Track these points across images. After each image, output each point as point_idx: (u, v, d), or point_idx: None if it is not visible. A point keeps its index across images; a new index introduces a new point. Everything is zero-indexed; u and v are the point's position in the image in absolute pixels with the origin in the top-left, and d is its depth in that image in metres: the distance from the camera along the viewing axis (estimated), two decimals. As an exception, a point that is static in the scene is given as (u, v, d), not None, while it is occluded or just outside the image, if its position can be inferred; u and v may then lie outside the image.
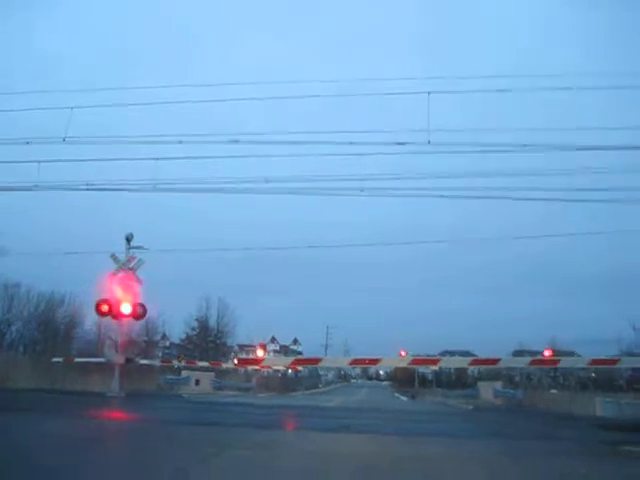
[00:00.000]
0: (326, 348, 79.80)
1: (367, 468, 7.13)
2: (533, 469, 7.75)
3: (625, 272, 63.56)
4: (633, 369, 42.65)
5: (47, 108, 17.89)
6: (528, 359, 19.33)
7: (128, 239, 22.02)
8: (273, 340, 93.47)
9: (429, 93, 15.74)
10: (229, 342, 65.18)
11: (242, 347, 71.53)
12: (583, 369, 52.51)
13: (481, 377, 54.60)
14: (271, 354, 79.37)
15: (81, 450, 7.61)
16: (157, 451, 8.01)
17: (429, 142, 15.68)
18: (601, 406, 24.46)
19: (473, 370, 62.69)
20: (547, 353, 21.80)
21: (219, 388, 36.15)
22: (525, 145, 15.56)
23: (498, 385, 38.23)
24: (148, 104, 18.25)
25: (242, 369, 47.32)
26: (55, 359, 25.06)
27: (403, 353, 22.71)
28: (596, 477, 7.31)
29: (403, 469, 7.24)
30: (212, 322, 62.62)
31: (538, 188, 17.37)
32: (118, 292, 21.01)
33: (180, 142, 16.98)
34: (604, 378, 58.23)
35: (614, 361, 17.99)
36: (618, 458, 9.36)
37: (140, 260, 21.72)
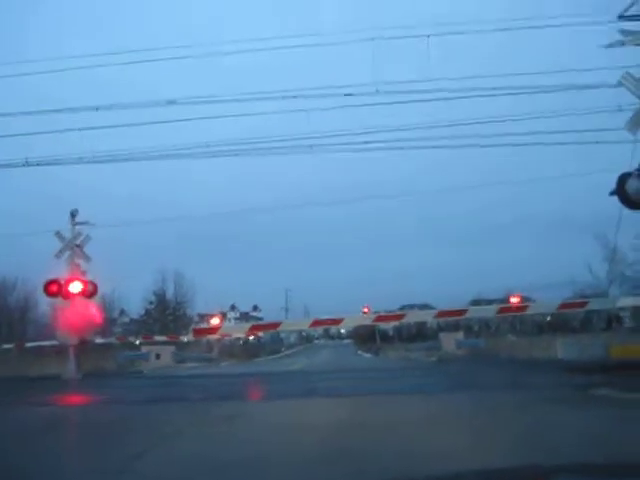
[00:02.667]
0: (286, 311, 79.57)
1: (335, 440, 6.63)
2: (514, 421, 7.49)
3: (576, 216, 64.74)
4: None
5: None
6: (496, 307, 19.32)
7: (73, 215, 21.08)
8: (233, 308, 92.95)
9: (373, 39, 15.21)
10: (189, 313, 64.40)
11: (202, 317, 70.71)
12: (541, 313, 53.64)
13: (441, 328, 55.30)
14: (232, 322, 79.04)
15: (24, 443, 6.89)
16: (110, 436, 7.33)
17: (377, 91, 15.22)
18: (563, 348, 24.73)
19: (432, 322, 63.50)
20: (514, 300, 21.79)
21: (181, 361, 35.58)
22: (474, 88, 15.23)
23: (460, 335, 38.57)
24: (75, 69, 17.21)
25: (204, 339, 46.77)
26: (6, 346, 24.09)
27: (366, 310, 22.47)
28: (577, 424, 7.09)
29: (377, 436, 6.83)
30: (169, 294, 61.74)
31: (492, 135, 17.14)
32: (66, 271, 20.24)
33: (111, 107, 16.07)
34: (559, 321, 59.67)
35: (583, 304, 18.06)
36: (593, 403, 9.25)
37: (87, 236, 20.88)
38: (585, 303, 18.21)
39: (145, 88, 34.13)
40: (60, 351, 21.76)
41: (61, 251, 20.47)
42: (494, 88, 16.39)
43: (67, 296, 19.97)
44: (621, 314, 43.74)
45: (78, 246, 20.53)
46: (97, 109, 16.27)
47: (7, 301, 44.21)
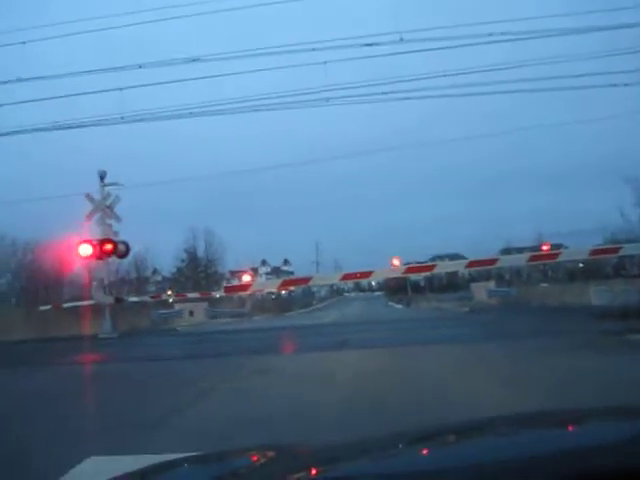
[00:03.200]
0: (317, 265, 79.79)
1: (367, 392, 6.66)
2: (549, 369, 7.44)
3: (606, 161, 63.38)
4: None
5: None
6: (527, 255, 18.99)
7: (102, 177, 21.18)
8: (264, 263, 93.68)
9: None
10: (220, 270, 65.05)
11: (233, 273, 71.34)
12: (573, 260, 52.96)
13: (472, 278, 55.10)
14: (263, 277, 79.70)
15: (65, 400, 7.11)
16: (147, 393, 7.56)
17: (401, 39, 14.90)
18: (596, 295, 24.53)
19: (464, 272, 63.23)
20: (545, 247, 21.47)
21: (214, 317, 36.09)
22: (503, 33, 14.77)
23: (492, 285, 38.39)
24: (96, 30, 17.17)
25: (235, 295, 47.30)
26: (43, 307, 24.62)
27: (397, 262, 22.37)
28: (613, 370, 7.02)
29: (407, 386, 6.86)
30: (200, 252, 62.40)
31: (513, 80, 16.75)
32: (98, 232, 20.45)
33: (140, 67, 16.03)
34: (592, 268, 58.92)
35: (616, 249, 17.62)
36: (629, 348, 9.16)
37: (117, 197, 21.00)
38: (618, 249, 17.69)
39: (167, 47, 33.97)
40: (97, 311, 22.15)
41: (92, 212, 20.63)
42: (522, 32, 15.92)
43: (100, 256, 20.21)
44: (656, 259, 43.04)
45: (108, 207, 20.66)
46: (140, 67, 16.37)
47: (41, 264, 44.97)
